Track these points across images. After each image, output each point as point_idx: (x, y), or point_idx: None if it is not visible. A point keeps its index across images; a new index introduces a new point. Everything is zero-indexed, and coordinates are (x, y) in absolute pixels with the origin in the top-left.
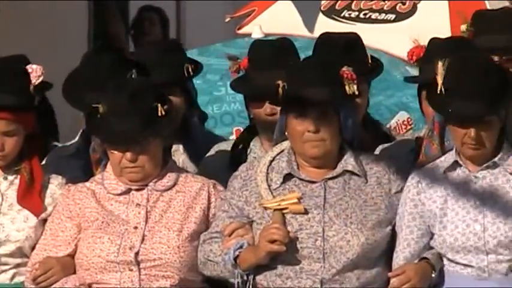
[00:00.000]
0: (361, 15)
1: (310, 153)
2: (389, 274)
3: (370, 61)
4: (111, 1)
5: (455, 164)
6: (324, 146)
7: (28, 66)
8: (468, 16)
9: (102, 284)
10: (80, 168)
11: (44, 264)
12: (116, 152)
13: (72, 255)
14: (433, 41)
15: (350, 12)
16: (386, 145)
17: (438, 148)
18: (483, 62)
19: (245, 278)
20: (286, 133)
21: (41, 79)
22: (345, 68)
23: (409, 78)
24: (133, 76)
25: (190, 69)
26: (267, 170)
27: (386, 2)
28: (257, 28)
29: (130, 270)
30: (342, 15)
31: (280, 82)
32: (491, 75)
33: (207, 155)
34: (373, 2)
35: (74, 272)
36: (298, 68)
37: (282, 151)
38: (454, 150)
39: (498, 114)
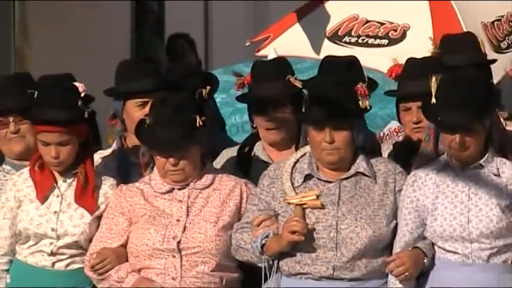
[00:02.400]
0: (360, 41)
1: (326, 160)
2: (387, 259)
3: (366, 79)
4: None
5: (446, 165)
6: (338, 154)
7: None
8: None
9: (149, 269)
10: (114, 170)
11: (100, 254)
12: (160, 157)
13: (124, 245)
14: (410, 60)
15: (350, 38)
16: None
17: (433, 150)
18: (469, 77)
19: (271, 263)
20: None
21: (83, 94)
22: (359, 85)
23: (388, 92)
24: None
25: (204, 94)
26: (291, 170)
27: (380, 29)
28: (272, 51)
29: (173, 257)
30: (344, 40)
31: (305, 95)
32: (476, 89)
33: (217, 158)
34: (370, 29)
35: (127, 260)
36: (318, 86)
37: (304, 154)
38: (446, 153)
39: (482, 123)
